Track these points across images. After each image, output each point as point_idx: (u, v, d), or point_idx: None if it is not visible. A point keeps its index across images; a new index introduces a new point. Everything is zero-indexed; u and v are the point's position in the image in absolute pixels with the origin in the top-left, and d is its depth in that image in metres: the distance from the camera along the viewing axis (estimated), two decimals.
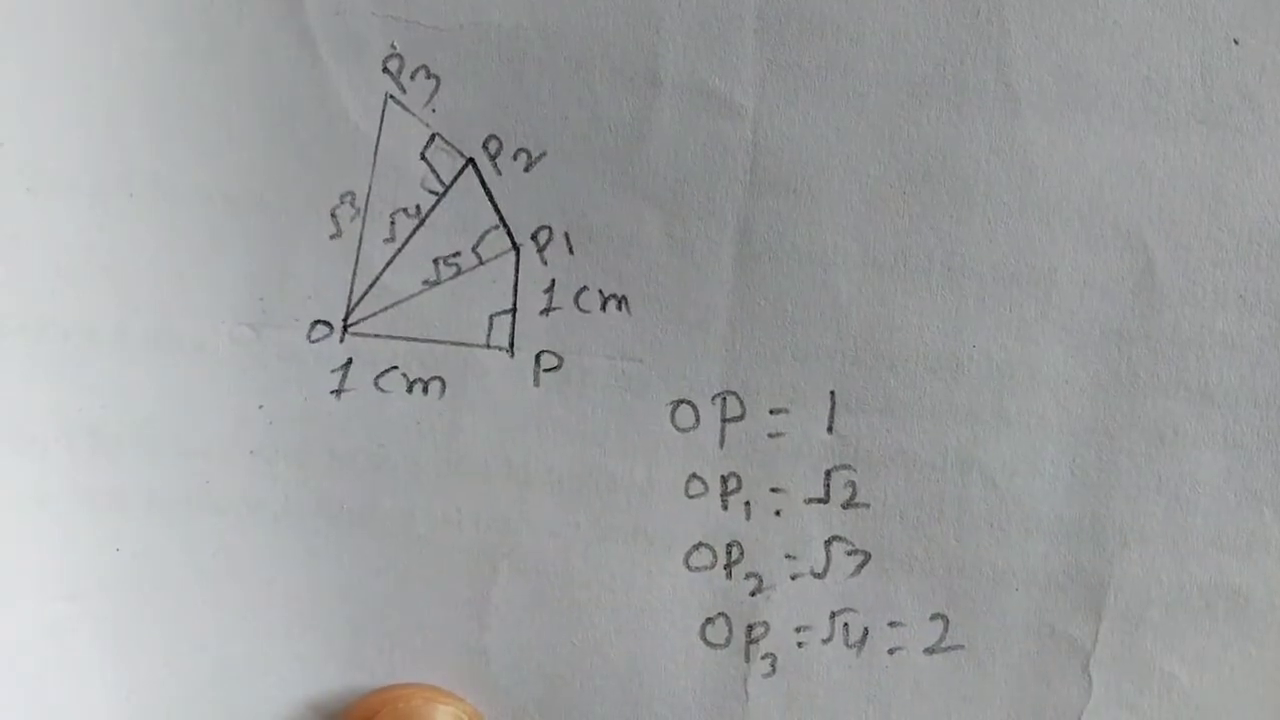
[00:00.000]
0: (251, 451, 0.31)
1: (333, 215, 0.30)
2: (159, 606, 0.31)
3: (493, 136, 0.30)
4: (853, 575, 0.31)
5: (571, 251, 0.31)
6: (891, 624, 0.31)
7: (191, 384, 0.30)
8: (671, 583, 0.31)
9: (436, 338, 0.31)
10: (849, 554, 0.31)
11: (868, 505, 0.31)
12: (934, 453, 0.31)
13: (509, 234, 0.31)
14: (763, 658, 0.31)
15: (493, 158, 0.30)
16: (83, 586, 0.31)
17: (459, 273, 0.31)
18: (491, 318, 0.31)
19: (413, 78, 0.30)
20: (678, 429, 0.31)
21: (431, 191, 0.30)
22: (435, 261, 0.30)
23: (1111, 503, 0.31)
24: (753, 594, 0.31)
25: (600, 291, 0.31)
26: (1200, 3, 0.30)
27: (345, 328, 0.31)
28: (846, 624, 0.31)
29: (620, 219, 0.30)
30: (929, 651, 0.31)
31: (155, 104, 0.30)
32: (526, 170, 0.30)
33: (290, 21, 0.30)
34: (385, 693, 0.30)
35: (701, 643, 0.31)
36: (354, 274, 0.30)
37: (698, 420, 0.31)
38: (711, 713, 0.31)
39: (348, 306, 0.30)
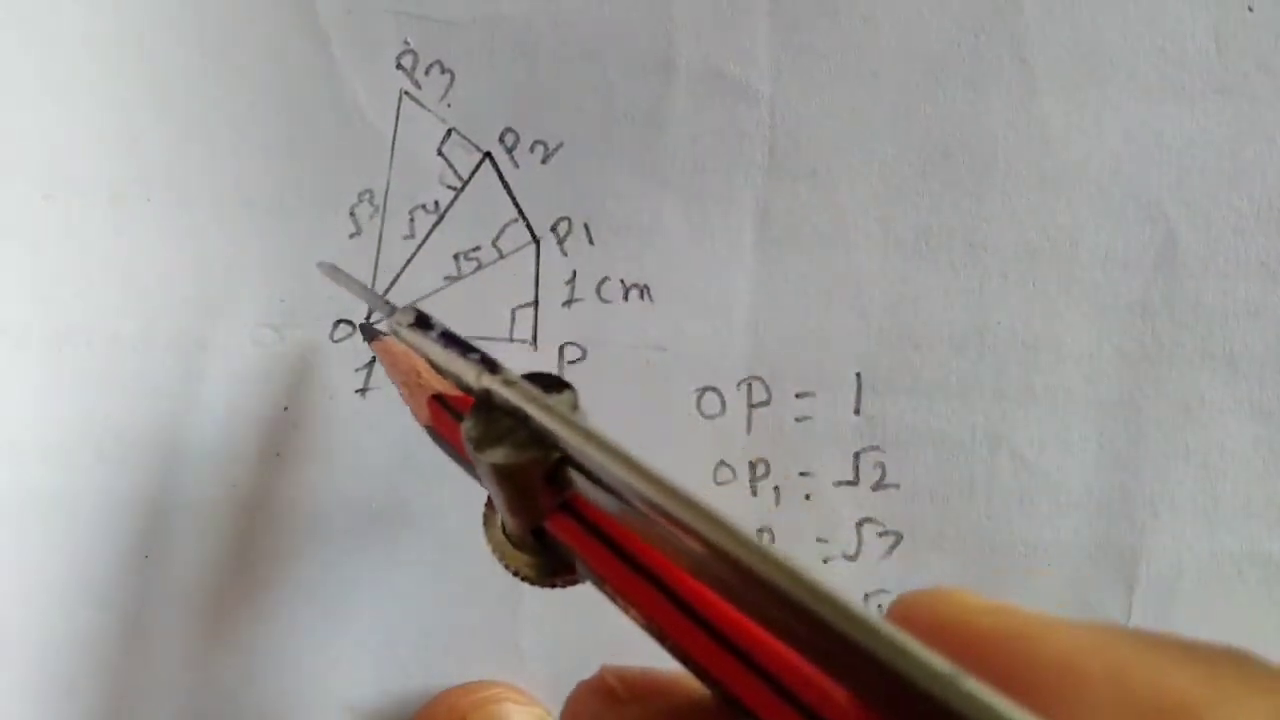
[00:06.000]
0: (278, 454, 0.31)
1: (352, 214, 0.30)
2: (189, 611, 0.31)
3: (509, 129, 0.30)
4: (885, 556, 0.31)
5: (592, 242, 0.30)
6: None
7: (215, 387, 0.30)
8: None
9: (459, 333, 0.30)
10: (880, 535, 0.31)
11: (897, 486, 0.31)
12: (962, 431, 0.31)
13: (528, 227, 0.30)
14: None
15: (510, 151, 0.30)
16: (112, 592, 0.30)
17: (480, 267, 0.30)
18: (514, 311, 0.31)
19: (427, 73, 0.30)
20: (704, 416, 0.31)
21: (450, 187, 0.30)
22: (456, 257, 0.30)
23: (1141, 474, 0.31)
24: None
25: (622, 281, 0.31)
26: None
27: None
28: (880, 605, 0.31)
29: (640, 208, 0.30)
30: None
31: (170, 109, 0.30)
32: (544, 162, 0.30)
33: (302, 22, 0.30)
34: (471, 692, 0.30)
35: None
36: (375, 272, 0.30)
37: (724, 407, 0.31)
38: None
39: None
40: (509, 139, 0.30)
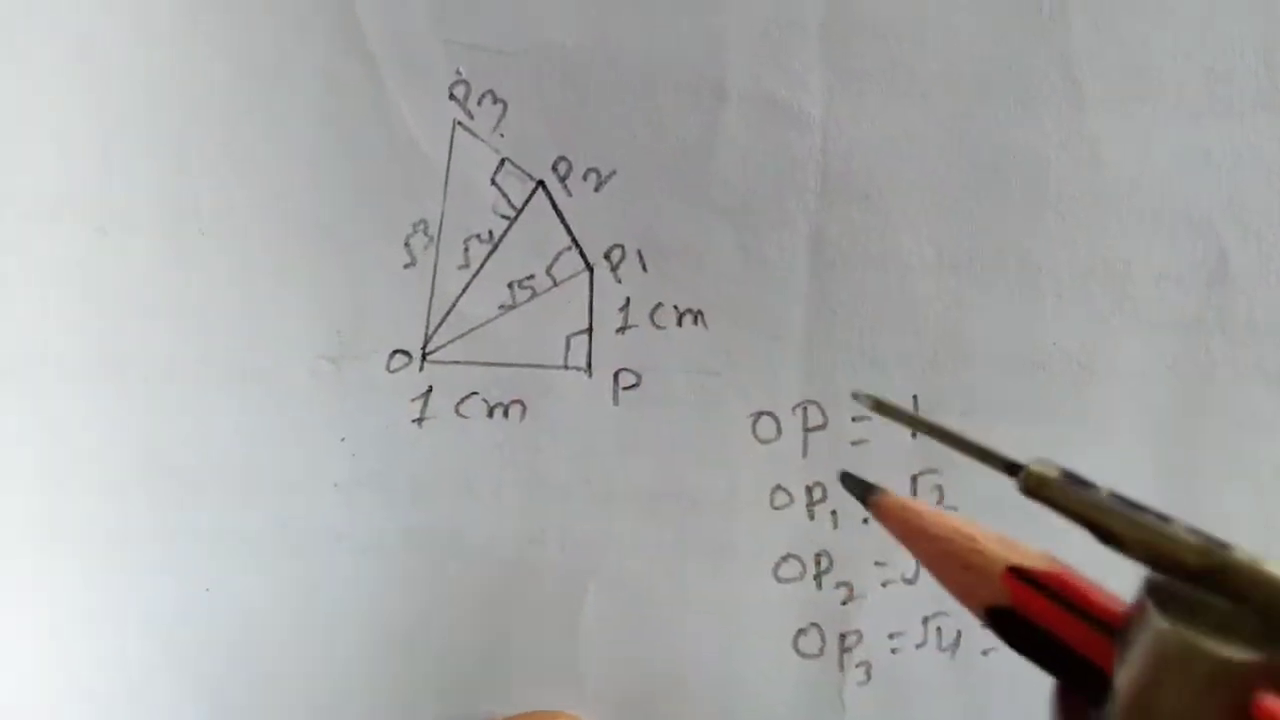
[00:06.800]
0: (335, 484, 0.31)
1: (406, 244, 0.30)
2: (246, 643, 0.31)
3: (562, 158, 0.30)
4: None
5: (645, 269, 0.31)
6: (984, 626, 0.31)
7: (272, 420, 0.30)
8: (761, 595, 0.31)
9: (515, 361, 0.31)
10: None
11: (955, 508, 0.31)
12: (1017, 452, 0.30)
13: (582, 254, 0.30)
14: (857, 666, 0.31)
15: (563, 179, 0.30)
16: (169, 625, 0.30)
17: (534, 295, 0.30)
18: (568, 338, 0.31)
19: (479, 103, 0.30)
20: (760, 441, 0.31)
21: (503, 216, 0.30)
22: (510, 285, 0.30)
23: (1194, 492, 0.31)
24: (844, 603, 0.31)
25: (675, 307, 0.31)
26: None
27: (424, 356, 0.30)
28: (939, 628, 0.31)
29: (692, 234, 0.30)
30: None
31: (222, 140, 0.30)
32: (597, 190, 0.30)
33: (354, 52, 0.30)
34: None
35: (795, 654, 0.31)
36: (430, 302, 0.30)
37: (779, 431, 0.31)
38: None
39: (425, 335, 0.30)
40: (562, 167, 0.30)
